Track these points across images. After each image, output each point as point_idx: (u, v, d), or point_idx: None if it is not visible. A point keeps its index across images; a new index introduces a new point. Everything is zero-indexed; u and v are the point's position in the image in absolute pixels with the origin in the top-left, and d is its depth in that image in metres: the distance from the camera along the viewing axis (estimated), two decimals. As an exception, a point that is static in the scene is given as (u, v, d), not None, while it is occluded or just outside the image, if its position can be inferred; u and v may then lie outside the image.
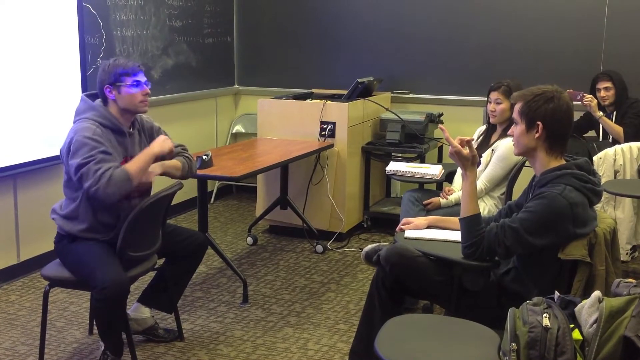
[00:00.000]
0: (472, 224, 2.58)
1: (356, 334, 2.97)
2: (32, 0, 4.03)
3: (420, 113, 5.18)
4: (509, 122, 3.86)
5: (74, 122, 3.01)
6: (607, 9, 5.10)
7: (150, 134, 3.21)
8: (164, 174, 3.14)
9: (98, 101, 3.06)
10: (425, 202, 3.93)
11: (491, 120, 3.99)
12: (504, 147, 3.74)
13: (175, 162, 3.16)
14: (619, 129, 4.56)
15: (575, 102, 4.22)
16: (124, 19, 4.90)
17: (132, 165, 2.95)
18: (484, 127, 4.17)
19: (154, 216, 3.08)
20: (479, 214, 2.61)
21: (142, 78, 3.05)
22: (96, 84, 3.06)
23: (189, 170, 3.24)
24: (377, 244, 3.12)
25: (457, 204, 3.88)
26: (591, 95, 4.67)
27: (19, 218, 4.22)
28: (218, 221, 5.51)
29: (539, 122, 2.50)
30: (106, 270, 2.85)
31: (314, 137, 4.90)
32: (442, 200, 3.91)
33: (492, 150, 3.85)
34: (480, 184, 3.75)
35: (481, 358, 2.02)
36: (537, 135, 2.51)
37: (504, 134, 3.87)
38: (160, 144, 3.07)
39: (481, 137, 4.08)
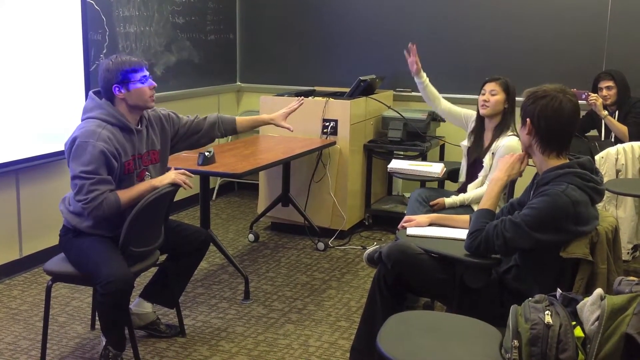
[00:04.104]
0: (482, 216, 2.62)
1: (357, 331, 2.97)
2: (36, -5, 4.04)
3: (422, 111, 5.18)
4: (500, 119, 3.82)
5: (82, 120, 3.01)
6: (609, 8, 5.10)
7: (160, 125, 3.23)
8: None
9: (104, 99, 3.06)
10: (431, 202, 3.89)
11: (481, 111, 3.85)
12: (503, 149, 3.68)
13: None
14: (623, 129, 4.56)
15: (579, 102, 4.22)
16: (127, 15, 4.90)
17: (126, 195, 2.97)
18: (473, 115, 4.03)
19: (157, 212, 3.09)
20: (494, 212, 2.67)
21: (146, 72, 3.06)
22: (99, 83, 3.05)
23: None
24: (378, 246, 3.13)
25: (462, 205, 3.85)
26: (596, 95, 4.66)
27: (22, 213, 4.23)
28: (220, 218, 5.51)
29: (527, 119, 2.52)
30: (111, 265, 2.86)
31: (316, 134, 4.90)
32: (447, 201, 3.86)
33: (492, 153, 3.80)
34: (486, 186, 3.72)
35: (483, 355, 2.02)
36: (526, 132, 2.53)
37: (496, 134, 3.80)
38: (173, 178, 3.07)
39: (473, 136, 3.97)
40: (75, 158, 2.90)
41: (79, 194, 2.89)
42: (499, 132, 3.80)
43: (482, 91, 3.86)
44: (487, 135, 3.89)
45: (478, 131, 3.95)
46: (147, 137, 3.14)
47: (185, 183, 3.08)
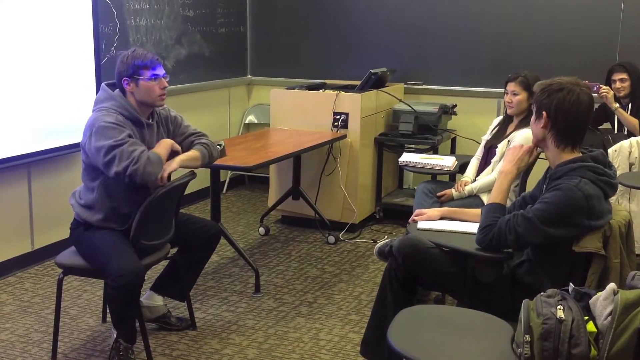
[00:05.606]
0: (492, 210, 2.61)
1: (368, 324, 2.97)
2: (47, -11, 4.04)
3: (434, 104, 5.16)
4: (526, 114, 3.84)
5: (93, 111, 3.01)
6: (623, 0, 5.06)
7: (166, 125, 3.20)
8: (183, 167, 3.13)
9: (117, 91, 3.05)
10: (438, 194, 3.92)
11: (508, 111, 3.96)
12: (520, 138, 3.70)
13: (193, 153, 3.13)
14: (634, 122, 4.52)
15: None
16: (138, 8, 4.90)
17: (160, 150, 2.98)
18: (500, 118, 4.14)
19: (167, 205, 3.09)
20: (504, 206, 2.65)
21: (160, 71, 3.02)
22: (114, 74, 3.04)
23: (209, 156, 3.20)
24: (388, 240, 3.12)
25: (470, 195, 3.86)
26: (607, 87, 4.63)
27: (33, 206, 4.25)
28: (230, 211, 5.52)
29: (543, 112, 2.49)
30: (122, 258, 2.86)
31: (327, 127, 4.89)
32: (455, 192, 3.89)
33: (509, 141, 3.82)
34: (495, 174, 3.73)
35: (494, 349, 2.01)
36: (542, 125, 2.50)
37: (520, 125, 3.84)
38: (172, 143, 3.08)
39: (497, 128, 4.05)
40: (100, 139, 2.84)
41: (122, 162, 2.80)
42: (522, 125, 3.86)
43: (505, 91, 3.94)
44: (511, 127, 3.96)
45: (503, 124, 4.02)
46: (158, 132, 3.14)
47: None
